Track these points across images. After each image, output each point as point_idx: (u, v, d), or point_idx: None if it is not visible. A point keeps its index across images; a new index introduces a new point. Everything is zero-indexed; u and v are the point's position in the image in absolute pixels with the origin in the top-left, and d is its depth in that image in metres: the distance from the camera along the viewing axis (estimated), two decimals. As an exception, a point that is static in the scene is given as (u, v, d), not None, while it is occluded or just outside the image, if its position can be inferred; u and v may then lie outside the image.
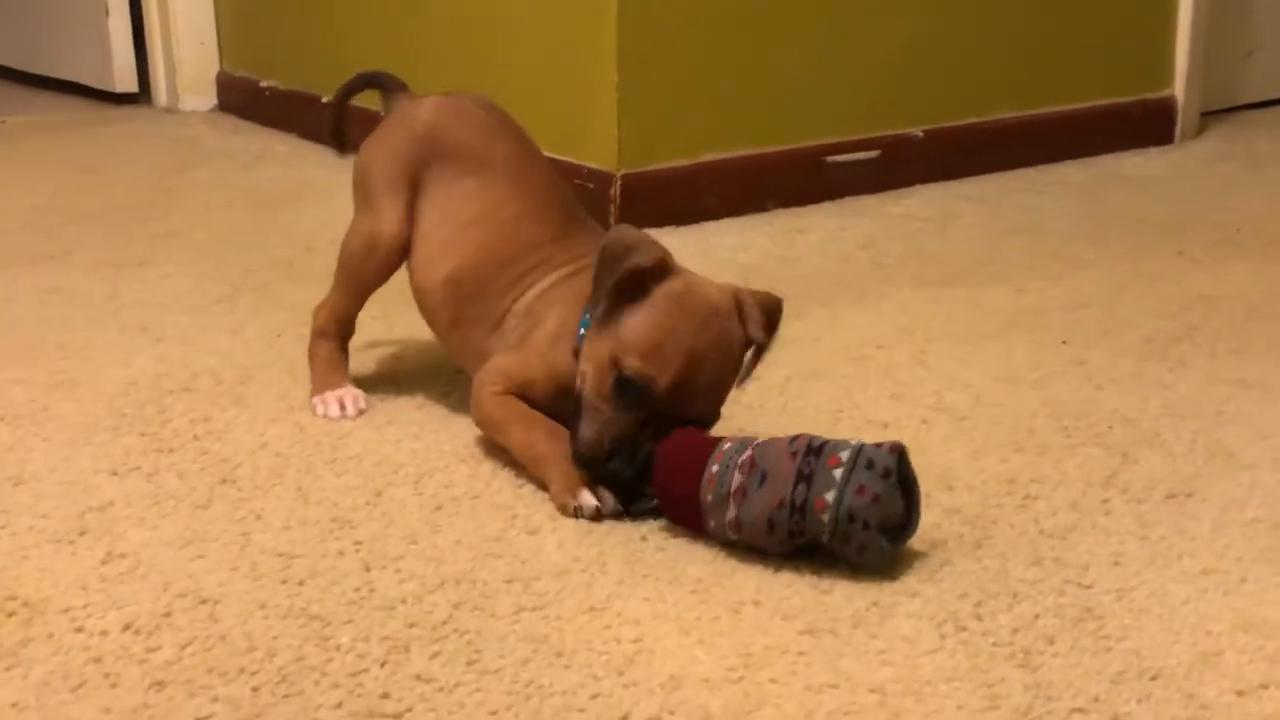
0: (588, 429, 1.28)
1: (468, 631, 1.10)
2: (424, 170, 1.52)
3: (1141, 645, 1.08)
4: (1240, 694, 1.02)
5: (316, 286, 1.96)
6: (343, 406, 1.53)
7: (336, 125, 1.69)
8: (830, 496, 1.16)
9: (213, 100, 3.38)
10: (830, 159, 2.46)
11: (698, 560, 1.22)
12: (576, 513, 1.28)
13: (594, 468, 1.28)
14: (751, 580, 1.19)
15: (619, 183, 2.24)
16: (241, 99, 3.28)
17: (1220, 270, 2.03)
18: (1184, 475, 1.36)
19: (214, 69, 3.37)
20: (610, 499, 1.28)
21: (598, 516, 1.28)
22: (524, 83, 2.41)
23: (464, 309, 1.48)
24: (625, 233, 1.33)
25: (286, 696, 1.02)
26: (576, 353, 1.33)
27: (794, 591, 1.17)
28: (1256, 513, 1.28)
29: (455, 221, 1.50)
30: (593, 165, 2.28)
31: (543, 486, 1.33)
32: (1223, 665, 1.05)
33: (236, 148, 2.95)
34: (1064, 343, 1.73)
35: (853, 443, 1.19)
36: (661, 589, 1.18)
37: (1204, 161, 2.73)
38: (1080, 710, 1.00)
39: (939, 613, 1.13)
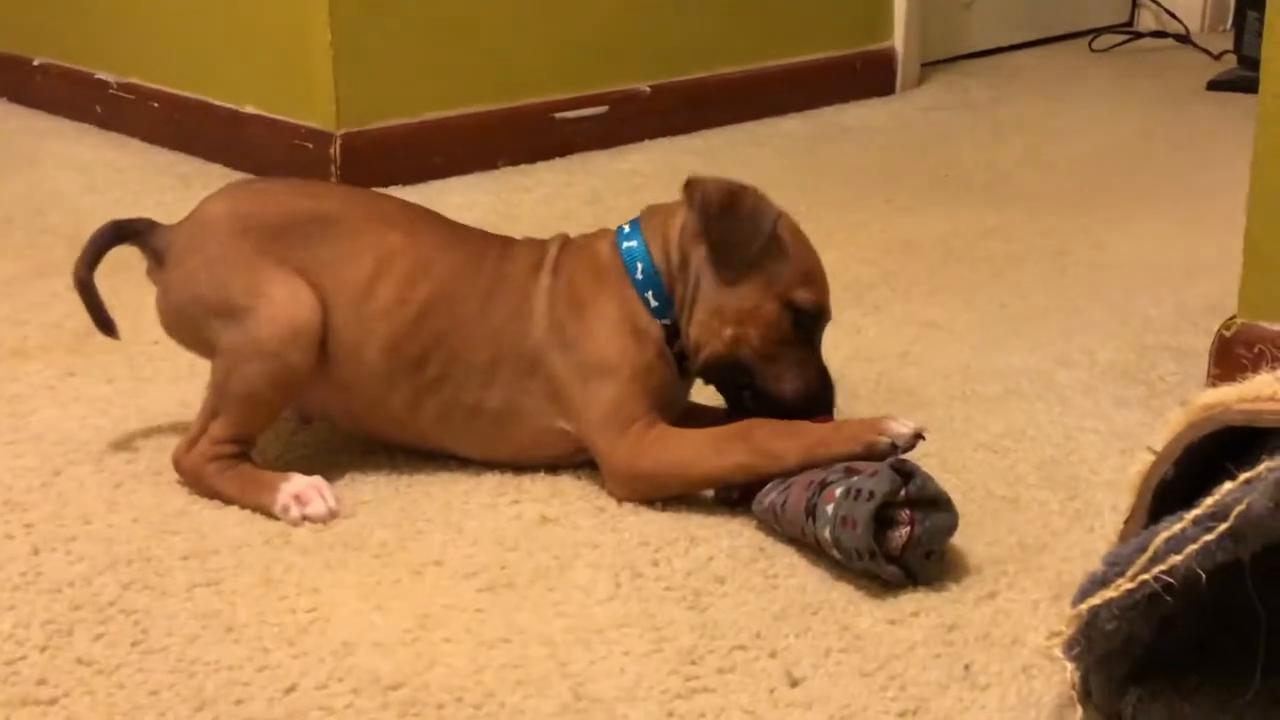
0: (792, 378, 1.25)
1: (135, 611, 1.08)
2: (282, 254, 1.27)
3: (807, 582, 1.13)
4: (892, 623, 1.07)
5: (12, 260, 1.89)
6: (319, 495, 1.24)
7: (94, 306, 1.31)
8: (827, 533, 1.10)
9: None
10: (559, 115, 2.46)
11: (385, 524, 1.22)
12: (893, 446, 1.15)
13: (820, 407, 1.25)
14: (437, 541, 1.19)
15: (339, 142, 2.20)
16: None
17: (924, 216, 2.11)
18: (863, 414, 1.41)
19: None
20: (910, 423, 1.18)
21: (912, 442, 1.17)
22: (237, 41, 2.34)
23: (431, 378, 1.27)
24: (711, 185, 1.26)
25: (-65, 691, 0.98)
26: (670, 330, 1.26)
27: (479, 550, 1.18)
28: (928, 447, 1.33)
29: (349, 291, 1.27)
30: (311, 125, 2.23)
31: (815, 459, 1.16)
32: (881, 596, 1.10)
33: (-61, 114, 2.79)
34: (768, 291, 1.78)
35: (860, 474, 1.11)
36: (345, 556, 1.17)
37: (922, 110, 2.83)
38: (741, 647, 1.04)
39: (617, 561, 1.15)
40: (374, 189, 1.43)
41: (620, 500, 1.24)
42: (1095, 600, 0.88)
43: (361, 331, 1.27)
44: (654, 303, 1.27)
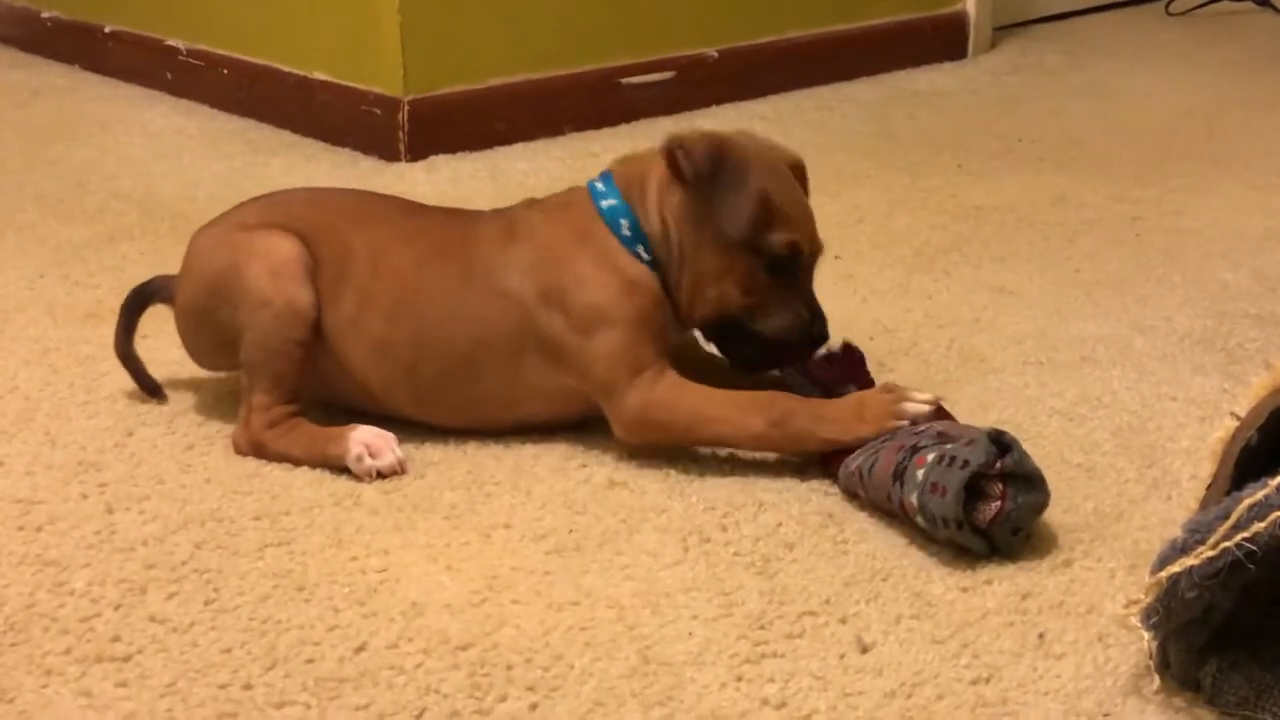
0: (778, 318, 1.26)
1: (208, 570, 1.09)
2: None
3: (878, 548, 1.11)
4: (965, 590, 1.05)
5: (85, 224, 1.91)
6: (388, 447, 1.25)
7: (139, 374, 1.39)
8: (914, 498, 1.09)
9: (-8, 32, 3.22)
10: (625, 81, 2.44)
11: (454, 486, 1.22)
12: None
13: (809, 343, 1.27)
14: (505, 504, 1.19)
15: (406, 108, 2.20)
16: (22, 30, 3.13)
17: (996, 181, 2.08)
18: (935, 380, 1.39)
19: (-8, -1, 3.21)
20: (924, 396, 1.19)
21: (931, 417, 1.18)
22: (306, 7, 2.34)
23: (424, 375, 1.28)
24: (698, 148, 1.23)
25: (13, 645, 1.00)
26: (655, 265, 1.26)
27: (547, 513, 1.18)
28: (1001, 414, 1.33)
29: (325, 295, 1.29)
30: (379, 90, 2.23)
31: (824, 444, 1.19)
32: (953, 563, 1.09)
33: (14, 82, 2.82)
34: (837, 258, 1.75)
35: (955, 441, 1.10)
36: (414, 517, 1.17)
37: (994, 75, 2.78)
38: (811, 613, 1.03)
39: (685, 526, 1.15)
40: (359, 190, 1.47)
41: (627, 446, 1.25)
42: (1175, 568, 0.87)
43: (344, 338, 1.29)
44: (646, 256, 1.26)
